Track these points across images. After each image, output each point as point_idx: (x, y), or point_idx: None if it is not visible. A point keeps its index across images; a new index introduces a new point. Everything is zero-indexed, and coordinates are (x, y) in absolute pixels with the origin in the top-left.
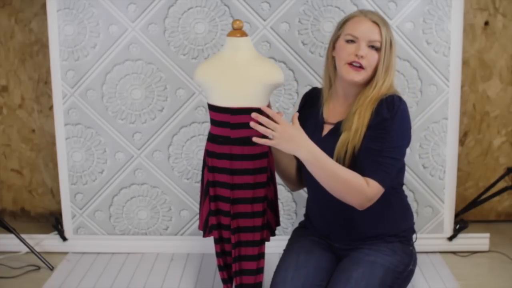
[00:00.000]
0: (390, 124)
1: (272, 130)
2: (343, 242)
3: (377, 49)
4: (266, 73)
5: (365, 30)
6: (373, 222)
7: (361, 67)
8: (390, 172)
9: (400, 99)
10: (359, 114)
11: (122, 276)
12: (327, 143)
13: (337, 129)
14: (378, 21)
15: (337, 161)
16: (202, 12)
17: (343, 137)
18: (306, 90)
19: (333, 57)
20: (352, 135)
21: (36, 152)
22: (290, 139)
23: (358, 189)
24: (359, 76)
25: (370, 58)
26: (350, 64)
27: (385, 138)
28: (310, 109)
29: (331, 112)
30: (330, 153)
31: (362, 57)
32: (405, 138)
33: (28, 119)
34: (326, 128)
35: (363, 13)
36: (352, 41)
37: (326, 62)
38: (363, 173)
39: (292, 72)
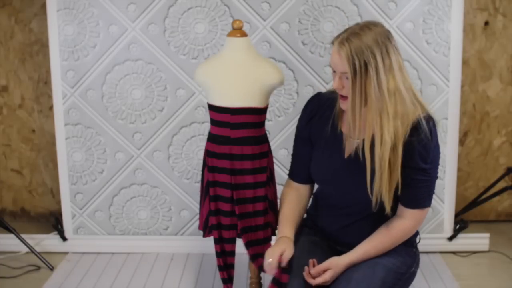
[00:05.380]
0: (430, 167)
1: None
2: (347, 246)
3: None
4: (266, 73)
5: (335, 63)
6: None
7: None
8: (433, 191)
9: (431, 136)
10: (387, 157)
11: (122, 276)
12: (352, 169)
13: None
14: (342, 50)
15: (377, 199)
16: (202, 12)
17: (378, 179)
18: (306, 90)
19: None
20: (387, 180)
21: (36, 152)
22: (334, 276)
23: (403, 237)
24: (345, 106)
25: (347, 87)
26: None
27: (429, 173)
28: (321, 119)
29: (349, 126)
30: (356, 176)
31: (339, 89)
32: (439, 159)
33: (28, 119)
34: (348, 146)
35: (336, 40)
36: (334, 71)
37: None
38: (414, 203)
39: (292, 72)
